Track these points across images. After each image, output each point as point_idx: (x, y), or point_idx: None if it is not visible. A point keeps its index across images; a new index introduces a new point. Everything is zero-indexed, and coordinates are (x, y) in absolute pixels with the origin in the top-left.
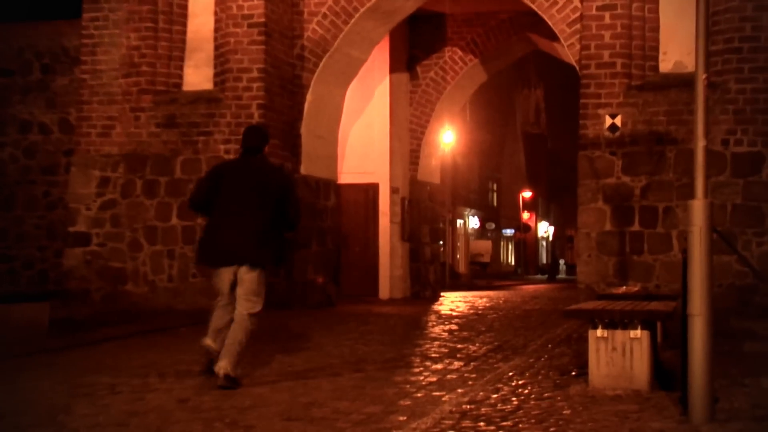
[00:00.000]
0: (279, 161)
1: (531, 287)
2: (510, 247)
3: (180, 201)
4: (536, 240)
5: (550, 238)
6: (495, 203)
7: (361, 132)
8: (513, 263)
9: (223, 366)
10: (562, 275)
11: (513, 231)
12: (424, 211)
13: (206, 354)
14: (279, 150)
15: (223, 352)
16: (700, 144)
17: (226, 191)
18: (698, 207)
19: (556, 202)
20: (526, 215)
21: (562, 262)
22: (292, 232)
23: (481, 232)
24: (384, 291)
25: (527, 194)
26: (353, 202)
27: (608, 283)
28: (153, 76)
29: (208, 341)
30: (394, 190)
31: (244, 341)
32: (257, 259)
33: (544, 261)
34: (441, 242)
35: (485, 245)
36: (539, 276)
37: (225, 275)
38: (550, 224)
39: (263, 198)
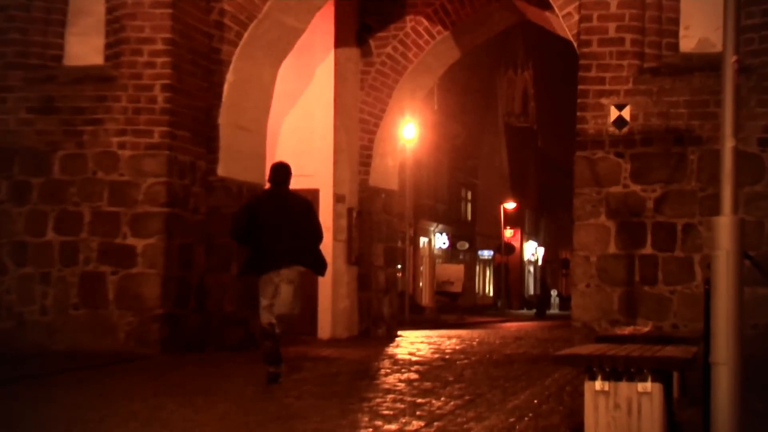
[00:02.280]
0: (189, 158)
1: (514, 325)
2: (488, 273)
3: (60, 209)
4: (521, 264)
5: (540, 263)
6: (469, 217)
7: (297, 123)
8: (491, 294)
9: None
10: (554, 310)
11: (492, 253)
12: (377, 225)
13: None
14: (189, 144)
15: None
16: (729, 144)
17: (267, 218)
18: (726, 225)
19: (548, 216)
20: (508, 232)
21: (554, 293)
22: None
23: (451, 254)
24: (324, 328)
25: (510, 205)
26: None
27: (611, 321)
28: (24, 46)
29: (269, 318)
30: (338, 199)
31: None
32: (302, 261)
33: (531, 292)
34: (399, 266)
35: (456, 271)
36: (525, 311)
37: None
38: (540, 244)
39: (298, 220)
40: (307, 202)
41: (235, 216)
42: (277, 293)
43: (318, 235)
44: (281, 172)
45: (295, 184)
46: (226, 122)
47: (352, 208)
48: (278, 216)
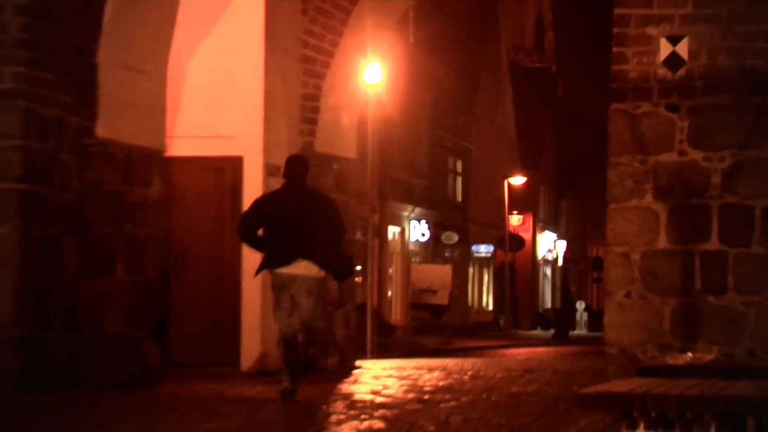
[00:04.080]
0: (55, 112)
1: (523, 351)
2: (486, 277)
3: None
4: (534, 266)
5: (560, 262)
6: (459, 197)
7: (211, 62)
8: (491, 308)
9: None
10: (580, 330)
11: (492, 249)
12: None
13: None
14: (55, 92)
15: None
16: None
17: (278, 219)
18: None
19: (572, 196)
20: (515, 220)
21: (580, 306)
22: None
23: (434, 251)
24: (250, 357)
25: (518, 181)
26: (196, 191)
27: (661, 345)
28: None
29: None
30: (271, 171)
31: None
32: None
33: (549, 304)
34: (358, 268)
35: (440, 274)
36: (539, 331)
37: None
38: (560, 237)
39: (314, 221)
40: (328, 201)
41: (243, 217)
42: (296, 308)
43: (339, 234)
44: (296, 166)
45: (207, 148)
46: (108, 61)
47: None
48: (291, 217)
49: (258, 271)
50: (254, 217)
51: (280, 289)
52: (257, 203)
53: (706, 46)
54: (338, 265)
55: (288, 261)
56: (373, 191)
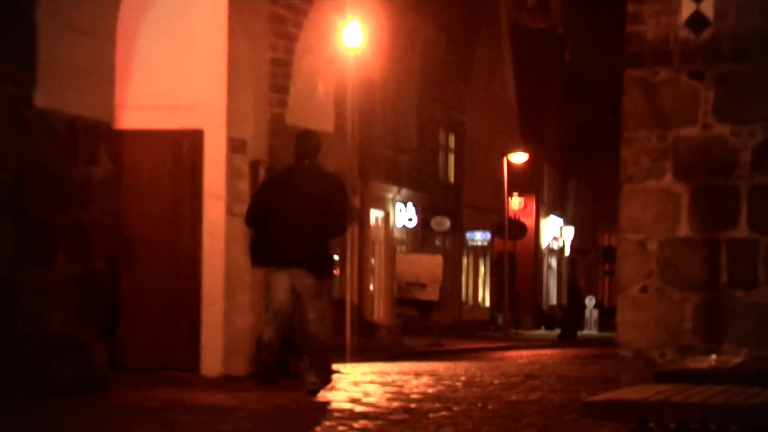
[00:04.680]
0: None
1: (525, 354)
2: (482, 269)
3: None
4: (537, 255)
5: (567, 252)
6: (451, 177)
7: (167, 24)
8: (488, 304)
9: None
10: (589, 330)
11: (488, 236)
12: None
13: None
14: None
15: (308, 369)
16: None
17: (277, 203)
18: None
19: (581, 176)
20: (516, 203)
21: (590, 302)
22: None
23: (423, 238)
24: (211, 360)
25: (519, 158)
26: (149, 169)
27: (682, 347)
28: None
29: (269, 332)
30: (235, 147)
31: (321, 347)
32: (308, 266)
33: (554, 300)
34: (336, 258)
35: (430, 266)
36: (543, 331)
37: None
38: (567, 222)
39: (316, 206)
40: (336, 185)
41: (249, 207)
42: (305, 317)
43: (336, 228)
44: (305, 144)
45: (161, 120)
46: (49, 20)
47: (257, 161)
48: (290, 202)
49: (253, 263)
50: (261, 205)
51: (278, 283)
52: (262, 188)
53: (735, 4)
54: (321, 264)
55: (283, 264)
56: (352, 170)
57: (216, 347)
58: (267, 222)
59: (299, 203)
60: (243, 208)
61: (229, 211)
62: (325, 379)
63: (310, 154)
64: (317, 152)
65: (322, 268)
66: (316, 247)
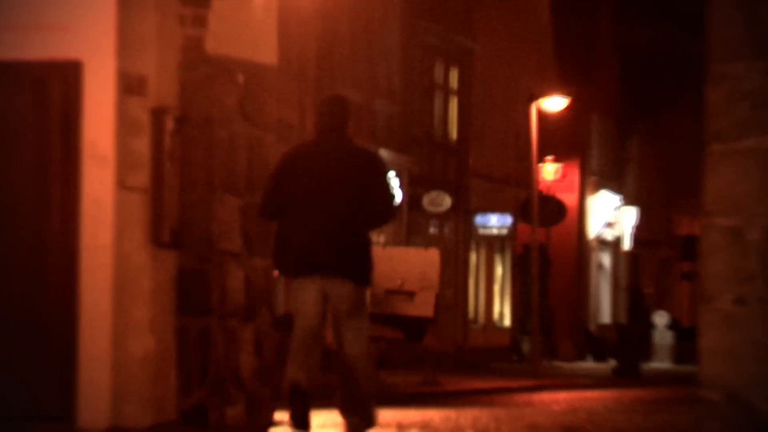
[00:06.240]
0: None
1: (562, 397)
2: (500, 269)
3: None
4: (581, 250)
5: (627, 245)
6: (453, 132)
7: None
8: (508, 322)
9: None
10: (660, 362)
11: (509, 221)
12: (226, 151)
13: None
14: None
15: (349, 409)
16: None
17: (299, 188)
18: None
19: (646, 131)
20: (550, 171)
21: (661, 320)
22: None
23: (410, 223)
24: (95, 403)
25: (555, 104)
26: (1, 119)
27: None
28: None
29: (294, 373)
30: (130, 87)
31: (369, 386)
32: (346, 270)
33: (607, 318)
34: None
35: (421, 265)
36: (589, 363)
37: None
38: (627, 201)
39: (347, 190)
40: (375, 162)
41: (265, 186)
42: (343, 339)
43: (378, 218)
44: (332, 111)
45: (21, 49)
46: None
47: (163, 108)
48: (317, 188)
49: (280, 273)
50: (277, 194)
51: (305, 299)
52: (277, 171)
53: None
54: (360, 266)
55: (308, 271)
56: (304, 122)
57: (100, 387)
58: (287, 216)
59: (328, 190)
60: (141, 178)
61: (121, 184)
62: (369, 420)
63: (338, 125)
64: (347, 121)
65: (361, 271)
66: (353, 245)
